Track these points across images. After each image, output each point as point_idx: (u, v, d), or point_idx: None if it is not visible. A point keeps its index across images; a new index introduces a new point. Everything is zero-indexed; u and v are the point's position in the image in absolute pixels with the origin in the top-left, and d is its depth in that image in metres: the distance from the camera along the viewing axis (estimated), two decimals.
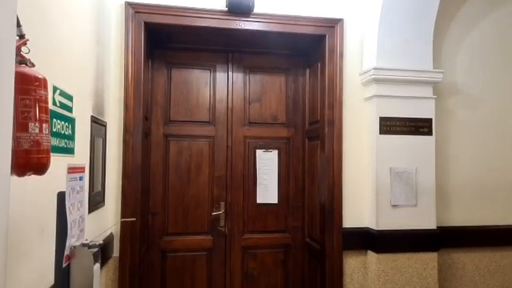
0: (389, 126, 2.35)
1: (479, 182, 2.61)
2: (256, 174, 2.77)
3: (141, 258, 2.27)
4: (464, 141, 2.61)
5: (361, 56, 2.47)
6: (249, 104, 2.80)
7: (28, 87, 0.89)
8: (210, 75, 2.76)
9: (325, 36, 2.44)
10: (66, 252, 0.94)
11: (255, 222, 2.76)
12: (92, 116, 1.78)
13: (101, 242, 1.11)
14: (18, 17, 0.86)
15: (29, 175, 0.90)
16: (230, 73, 2.78)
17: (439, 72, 2.41)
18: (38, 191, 1.14)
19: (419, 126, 2.38)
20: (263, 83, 2.82)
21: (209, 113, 2.74)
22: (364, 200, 2.43)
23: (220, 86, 2.76)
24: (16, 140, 0.85)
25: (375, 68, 2.31)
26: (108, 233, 2.05)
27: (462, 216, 2.56)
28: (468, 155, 2.61)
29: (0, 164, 0.68)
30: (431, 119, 2.40)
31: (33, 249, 1.14)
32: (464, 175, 2.59)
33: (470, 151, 2.61)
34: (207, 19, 2.30)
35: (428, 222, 2.36)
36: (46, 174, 0.94)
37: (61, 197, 0.93)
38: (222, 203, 2.70)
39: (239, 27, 2.34)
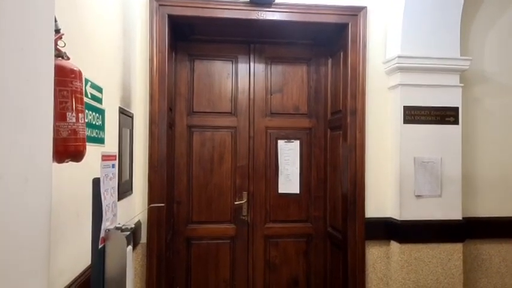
0: (413, 115, 2.32)
1: (507, 173, 2.55)
2: (278, 165, 2.79)
3: (167, 244, 2.35)
4: (492, 130, 2.54)
5: (384, 44, 2.44)
6: (271, 95, 2.81)
7: (65, 79, 0.93)
8: (232, 67, 2.78)
9: (348, 24, 2.42)
10: (102, 234, 0.99)
11: (277, 211, 2.79)
12: (119, 108, 1.83)
13: (133, 225, 1.16)
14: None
15: (67, 162, 0.96)
16: (252, 64, 2.79)
17: (466, 59, 2.35)
18: (72, 179, 1.20)
19: (445, 115, 2.34)
20: (284, 74, 2.83)
21: (231, 104, 2.77)
22: (387, 190, 2.42)
23: (242, 77, 2.79)
24: (55, 129, 0.90)
25: (399, 56, 2.28)
26: (136, 220, 2.13)
27: (489, 207, 2.52)
28: (496, 144, 2.54)
29: (43, 152, 0.72)
30: (457, 108, 2.36)
31: (70, 232, 1.21)
32: (492, 165, 2.53)
33: (498, 141, 2.55)
34: (228, 10, 2.32)
35: (454, 213, 2.33)
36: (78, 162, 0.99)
37: (96, 182, 0.99)
38: (245, 193, 2.74)
39: (261, 18, 2.34)
